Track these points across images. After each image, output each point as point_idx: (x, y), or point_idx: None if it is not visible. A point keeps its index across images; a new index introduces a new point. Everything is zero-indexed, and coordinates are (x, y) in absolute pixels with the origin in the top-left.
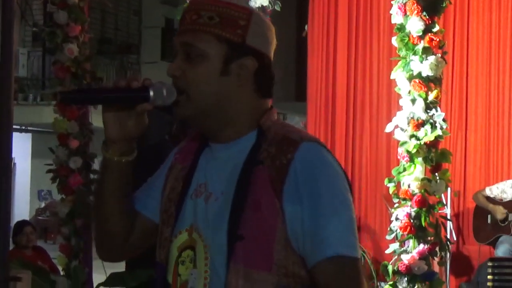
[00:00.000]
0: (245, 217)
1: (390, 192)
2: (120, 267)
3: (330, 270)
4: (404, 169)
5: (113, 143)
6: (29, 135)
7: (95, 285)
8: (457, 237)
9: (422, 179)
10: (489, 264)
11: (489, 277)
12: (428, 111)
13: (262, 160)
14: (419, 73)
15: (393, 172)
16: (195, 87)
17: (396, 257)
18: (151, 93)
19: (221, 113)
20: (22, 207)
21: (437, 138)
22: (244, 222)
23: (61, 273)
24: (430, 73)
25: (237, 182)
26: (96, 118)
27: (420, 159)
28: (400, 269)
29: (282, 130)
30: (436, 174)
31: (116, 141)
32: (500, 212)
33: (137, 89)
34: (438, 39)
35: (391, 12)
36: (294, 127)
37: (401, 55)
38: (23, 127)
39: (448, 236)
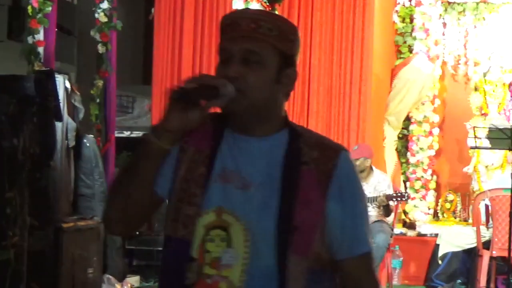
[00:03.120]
0: (296, 211)
1: None
2: None
3: (362, 264)
4: None
5: (169, 132)
6: None
7: None
8: None
9: None
10: None
11: None
12: None
13: (306, 161)
14: None
15: None
16: (253, 90)
17: None
18: (221, 92)
19: (266, 113)
20: None
21: None
22: (296, 216)
23: None
24: None
25: (283, 177)
26: None
27: None
28: None
29: (313, 134)
30: None
31: (174, 131)
32: None
33: (211, 87)
34: None
35: None
36: (315, 131)
37: None
38: None
39: None
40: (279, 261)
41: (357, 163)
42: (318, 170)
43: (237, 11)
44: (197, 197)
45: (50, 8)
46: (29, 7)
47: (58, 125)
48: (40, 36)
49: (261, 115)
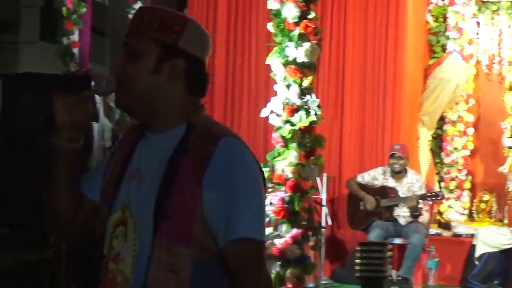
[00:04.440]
0: (170, 199)
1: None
2: None
3: (238, 251)
4: (279, 154)
5: (63, 129)
6: None
7: None
8: (332, 222)
9: (296, 164)
10: (358, 248)
11: (357, 260)
12: (303, 97)
13: (188, 150)
14: (294, 59)
15: (268, 157)
16: (130, 80)
17: (269, 241)
18: (92, 82)
19: (152, 105)
20: None
21: (312, 124)
22: (169, 204)
23: None
24: (305, 60)
25: (165, 168)
26: None
27: (294, 144)
28: (273, 253)
29: (207, 125)
30: (310, 159)
31: (65, 127)
32: (369, 202)
33: (81, 77)
34: (313, 26)
35: None
36: (219, 123)
37: (276, 41)
38: None
39: (324, 222)
40: (151, 250)
41: (401, 162)
42: (195, 158)
43: (136, 10)
44: (109, 198)
45: (84, 9)
46: (64, 8)
47: (95, 125)
48: (75, 37)
49: (151, 109)
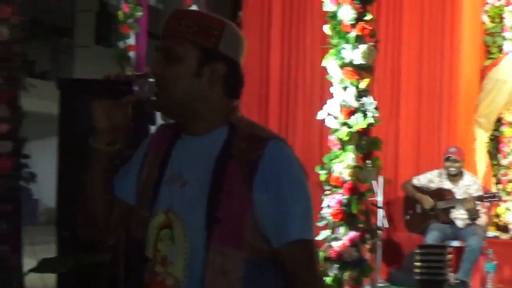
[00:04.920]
0: (221, 203)
1: (322, 179)
2: (51, 253)
3: (292, 252)
4: (336, 157)
5: (101, 133)
6: None
7: (25, 270)
8: (388, 225)
9: (353, 167)
10: (417, 251)
11: (417, 263)
12: (360, 99)
13: (234, 154)
14: (351, 61)
15: (325, 159)
16: (171, 84)
17: (327, 244)
18: (135, 87)
19: (192, 108)
20: None
21: (369, 126)
22: (220, 208)
23: None
24: (362, 62)
25: (212, 172)
26: (25, 102)
27: (351, 146)
28: (330, 255)
29: (249, 128)
30: (367, 161)
31: (103, 131)
32: (427, 202)
33: (124, 83)
34: (370, 28)
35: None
36: (260, 125)
37: (332, 43)
38: None
39: (380, 224)
40: (205, 253)
41: (457, 165)
42: (243, 162)
43: (171, 13)
44: (149, 200)
45: (140, 13)
46: (120, 13)
47: (152, 128)
48: (131, 41)
49: (191, 112)
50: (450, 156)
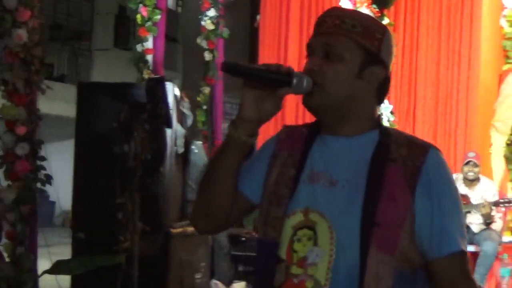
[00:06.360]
0: (380, 206)
1: None
2: (66, 255)
3: (453, 264)
4: None
5: (245, 122)
6: None
7: (40, 272)
8: None
9: None
10: None
11: None
12: None
13: (394, 159)
14: None
15: None
16: (331, 82)
17: None
18: (294, 80)
19: (347, 110)
20: None
21: None
22: (378, 211)
23: (6, 259)
24: None
25: (369, 174)
26: (43, 104)
27: None
28: None
29: (402, 134)
30: None
31: (248, 121)
32: None
33: (284, 73)
34: None
35: (340, 3)
36: (408, 133)
37: None
38: None
39: None
40: (361, 257)
41: (476, 170)
42: (405, 167)
43: (326, 10)
44: (285, 199)
45: (159, 17)
46: (138, 16)
47: (168, 131)
48: (149, 44)
49: (345, 112)
50: (470, 161)
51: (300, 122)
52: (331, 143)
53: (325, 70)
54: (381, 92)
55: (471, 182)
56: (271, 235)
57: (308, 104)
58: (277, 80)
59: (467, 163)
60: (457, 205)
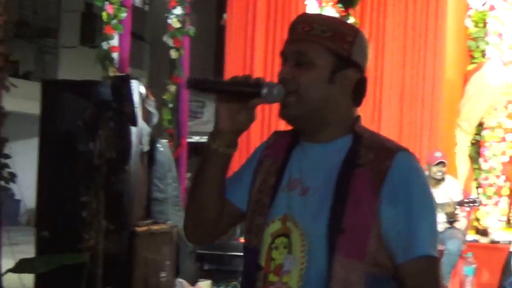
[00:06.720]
0: (346, 212)
1: None
2: (30, 253)
3: (419, 269)
4: None
5: (222, 134)
6: None
7: (3, 271)
8: None
9: None
10: None
11: None
12: None
13: (362, 164)
14: None
15: None
16: (305, 90)
17: None
18: (264, 90)
19: (323, 116)
20: None
21: None
22: (345, 217)
23: None
24: None
25: (337, 180)
26: (8, 102)
27: None
28: None
29: (375, 137)
30: None
31: (225, 132)
32: None
33: (252, 85)
34: None
35: (305, 2)
36: (383, 136)
37: None
38: None
39: None
40: (328, 264)
41: (444, 169)
42: (372, 172)
43: (298, 16)
44: (266, 207)
45: (125, 14)
46: (104, 13)
47: (133, 130)
48: (115, 42)
49: (320, 119)
50: (441, 161)
51: None
52: (308, 150)
53: (297, 78)
54: (357, 94)
55: (437, 181)
56: (253, 243)
57: (284, 115)
58: (245, 93)
59: (438, 163)
60: (428, 209)
